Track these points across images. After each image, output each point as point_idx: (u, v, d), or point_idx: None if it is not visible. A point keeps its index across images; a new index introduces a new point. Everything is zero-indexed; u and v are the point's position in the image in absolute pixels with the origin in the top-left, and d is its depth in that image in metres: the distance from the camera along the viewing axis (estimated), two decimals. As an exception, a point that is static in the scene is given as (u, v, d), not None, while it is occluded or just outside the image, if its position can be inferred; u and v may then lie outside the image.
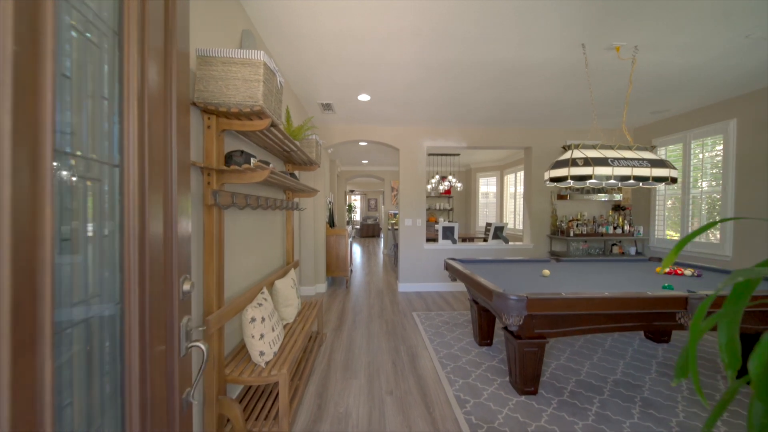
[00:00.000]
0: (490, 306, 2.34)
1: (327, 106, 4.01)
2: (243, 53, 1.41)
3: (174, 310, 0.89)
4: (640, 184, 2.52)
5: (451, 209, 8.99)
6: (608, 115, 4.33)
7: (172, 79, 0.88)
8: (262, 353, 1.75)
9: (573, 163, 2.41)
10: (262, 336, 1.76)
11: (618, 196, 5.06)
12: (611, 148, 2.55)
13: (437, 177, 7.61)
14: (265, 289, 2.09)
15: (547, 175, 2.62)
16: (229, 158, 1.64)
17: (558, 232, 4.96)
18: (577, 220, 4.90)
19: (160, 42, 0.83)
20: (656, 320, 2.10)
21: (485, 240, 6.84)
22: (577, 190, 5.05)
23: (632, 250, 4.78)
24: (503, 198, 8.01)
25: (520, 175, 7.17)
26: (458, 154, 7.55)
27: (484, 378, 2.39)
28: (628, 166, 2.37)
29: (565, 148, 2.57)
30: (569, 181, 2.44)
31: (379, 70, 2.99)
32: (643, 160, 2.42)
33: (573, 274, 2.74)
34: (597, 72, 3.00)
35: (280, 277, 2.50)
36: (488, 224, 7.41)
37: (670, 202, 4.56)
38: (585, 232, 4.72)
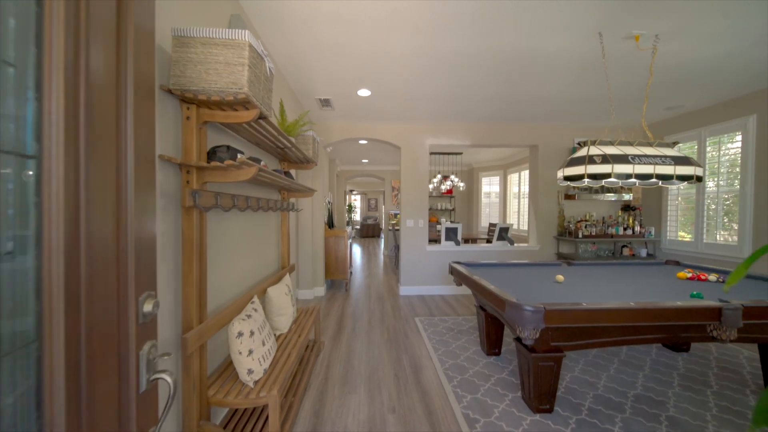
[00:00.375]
0: (501, 316, 2.16)
1: (325, 102, 3.83)
2: (225, 33, 1.23)
3: (130, 336, 0.72)
4: (660, 183, 2.35)
5: (453, 209, 8.81)
6: (622, 111, 4.15)
7: (127, 56, 0.72)
8: (250, 371, 1.57)
9: (590, 160, 2.22)
10: (250, 352, 1.58)
11: (627, 196, 4.88)
12: (630, 144, 2.37)
13: (439, 176, 7.43)
14: (255, 298, 1.91)
15: (560, 174, 2.44)
16: (212, 154, 1.46)
17: (565, 233, 4.78)
18: (586, 220, 4.71)
19: (107, 9, 0.66)
20: (684, 332, 1.92)
21: (489, 241, 6.66)
22: (585, 189, 4.87)
23: (643, 252, 4.59)
24: (506, 198, 7.83)
25: (524, 174, 6.99)
26: (461, 153, 7.37)
27: (494, 393, 2.21)
28: (650, 163, 2.19)
29: (581, 145, 2.39)
30: (585, 180, 2.26)
31: (380, 62, 2.81)
32: (665, 157, 2.24)
33: (588, 279, 2.56)
34: (612, 64, 2.81)
35: (274, 284, 2.32)
36: (492, 225, 7.24)
37: (677, 201, 4.37)
38: (594, 234, 4.54)
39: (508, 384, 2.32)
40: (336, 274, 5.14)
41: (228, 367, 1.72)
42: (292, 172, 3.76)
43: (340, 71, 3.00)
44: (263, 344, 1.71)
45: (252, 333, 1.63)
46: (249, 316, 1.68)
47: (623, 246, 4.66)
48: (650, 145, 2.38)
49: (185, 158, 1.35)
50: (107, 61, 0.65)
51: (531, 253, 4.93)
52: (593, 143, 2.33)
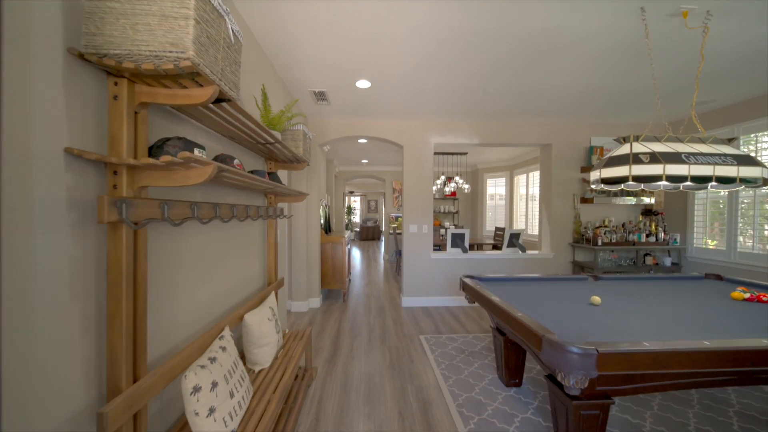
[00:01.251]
0: (534, 354, 1.77)
1: (320, 95, 3.45)
2: (160, -29, 0.85)
3: None
4: (709, 185, 1.97)
5: (457, 212, 8.42)
6: (644, 106, 3.78)
7: None
8: (211, 437, 1.18)
9: (635, 159, 1.85)
10: (211, 411, 1.19)
11: (647, 199, 4.50)
12: (679, 140, 1.99)
13: (443, 178, 7.05)
14: (227, 331, 1.53)
15: (596, 175, 2.06)
16: (159, 149, 1.08)
17: (582, 240, 4.40)
18: (605, 226, 4.33)
19: None
20: (763, 375, 1.54)
21: (496, 247, 6.28)
22: (603, 192, 4.50)
23: (668, 262, 4.21)
24: (513, 200, 7.45)
25: (532, 175, 6.61)
26: (465, 153, 6.99)
27: (521, 441, 1.82)
28: (708, 163, 1.81)
29: (623, 140, 2.01)
30: (629, 182, 1.89)
31: (381, 47, 2.43)
32: (725, 156, 1.86)
33: (625, 299, 2.17)
34: (646, 49, 2.44)
35: (254, 308, 1.94)
36: (498, 229, 6.85)
37: (704, 204, 4.00)
38: (615, 240, 4.16)
39: (537, 428, 1.93)
40: (333, 283, 4.75)
41: (185, 427, 1.33)
42: (284, 173, 3.38)
43: (336, 58, 2.62)
44: (231, 396, 1.33)
45: (215, 384, 1.24)
46: (212, 360, 1.30)
47: (645, 254, 4.28)
48: (702, 141, 2.00)
49: (112, 153, 0.96)
50: None
51: (544, 262, 4.55)
52: (636, 139, 1.95)
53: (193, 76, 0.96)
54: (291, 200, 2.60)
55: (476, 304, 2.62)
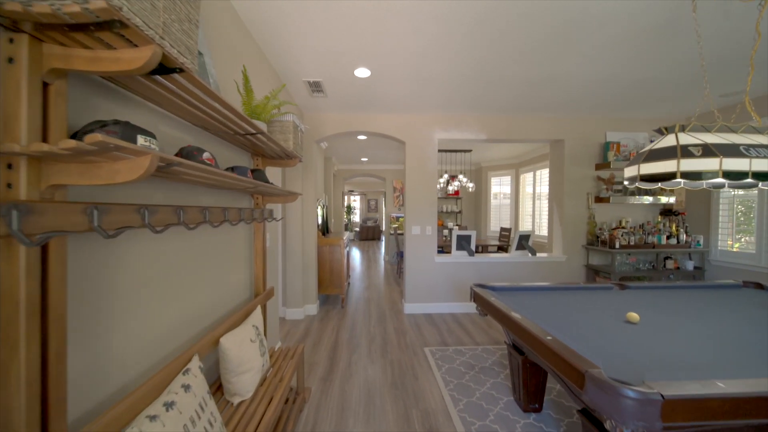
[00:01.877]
0: (574, 393, 1.48)
1: (316, 86, 3.17)
2: None
3: None
4: (759, 184, 1.69)
5: (460, 212, 8.14)
6: (665, 97, 3.48)
7: None
8: None
9: (684, 152, 1.56)
10: (163, 478, 0.92)
11: (666, 198, 4.20)
12: (732, 131, 1.70)
13: (446, 176, 6.77)
14: (194, 362, 1.25)
15: (632, 172, 1.78)
16: (86, 135, 0.80)
17: (597, 241, 4.11)
18: (622, 227, 4.04)
19: None
20: None
21: (501, 248, 6.00)
22: (619, 191, 4.21)
23: (689, 265, 3.93)
24: (519, 200, 7.16)
25: (540, 173, 6.32)
26: (470, 151, 6.70)
27: (548, 486, 1.54)
28: (772, 157, 1.53)
29: (665, 131, 1.73)
30: (675, 179, 1.60)
31: (382, 28, 2.14)
32: (791, 148, 1.57)
33: (665, 316, 1.89)
34: (686, 32, 2.15)
35: (234, 327, 1.66)
36: (503, 229, 6.57)
37: (728, 204, 3.71)
38: (634, 243, 3.87)
39: (564, 467, 1.66)
40: (330, 288, 4.48)
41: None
42: (277, 171, 3.09)
43: (333, 42, 2.33)
44: (195, 450, 1.05)
45: (169, 441, 0.96)
46: (169, 406, 1.02)
47: (666, 257, 3.99)
48: (759, 132, 1.72)
49: (1, 138, 0.68)
50: None
51: (556, 265, 4.27)
52: (683, 129, 1.67)
53: (119, 29, 0.68)
54: (282, 201, 2.32)
55: (488, 315, 2.34)
